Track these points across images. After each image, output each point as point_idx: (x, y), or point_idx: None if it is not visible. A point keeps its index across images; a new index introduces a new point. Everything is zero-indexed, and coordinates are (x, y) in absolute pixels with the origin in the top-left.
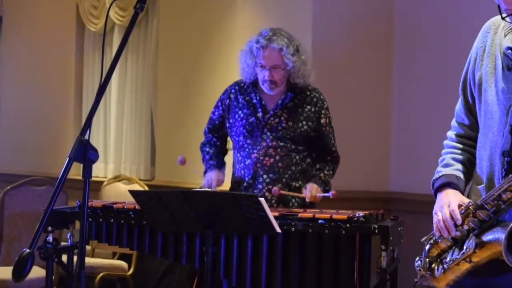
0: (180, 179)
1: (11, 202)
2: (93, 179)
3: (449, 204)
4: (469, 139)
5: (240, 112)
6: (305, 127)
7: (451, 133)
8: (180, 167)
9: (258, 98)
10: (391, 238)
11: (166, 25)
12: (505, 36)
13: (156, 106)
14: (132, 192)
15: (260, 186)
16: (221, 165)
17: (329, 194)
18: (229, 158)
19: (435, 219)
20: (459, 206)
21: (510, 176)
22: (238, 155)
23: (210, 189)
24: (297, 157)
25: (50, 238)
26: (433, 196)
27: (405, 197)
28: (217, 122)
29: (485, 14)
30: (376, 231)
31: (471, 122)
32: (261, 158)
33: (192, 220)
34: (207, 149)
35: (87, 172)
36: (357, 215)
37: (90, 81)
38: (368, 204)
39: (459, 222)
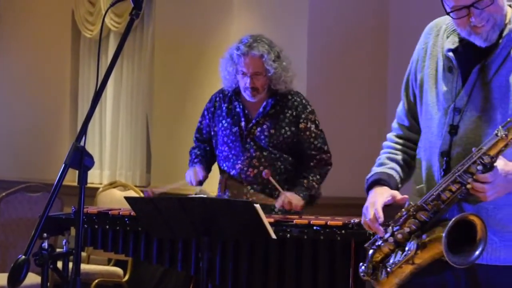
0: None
1: (7, 208)
2: (88, 185)
3: (374, 204)
4: (407, 140)
5: (223, 121)
6: (288, 132)
7: (390, 134)
8: (176, 173)
9: (241, 107)
10: None
11: (161, 32)
12: (447, 38)
13: (151, 113)
14: (127, 199)
15: (245, 198)
16: (205, 165)
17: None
18: (215, 167)
19: (363, 219)
20: (384, 206)
21: (448, 175)
22: (224, 165)
23: (205, 196)
24: (282, 166)
25: (45, 245)
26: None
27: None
28: (204, 131)
29: None
30: (371, 237)
31: (410, 124)
32: (245, 169)
33: (188, 226)
34: (196, 150)
35: (83, 178)
36: (352, 221)
37: (86, 88)
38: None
39: (381, 220)
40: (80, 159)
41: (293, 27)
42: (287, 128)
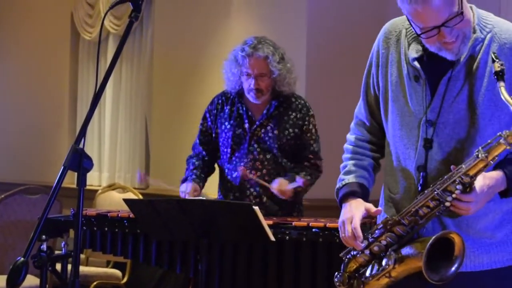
0: (174, 187)
1: (6, 210)
2: (87, 187)
3: (351, 219)
4: (369, 143)
5: (226, 123)
6: (292, 134)
7: (351, 137)
8: (175, 175)
9: (244, 108)
10: None
11: (161, 34)
12: (409, 45)
13: (150, 115)
14: (126, 201)
15: (247, 200)
16: (200, 180)
17: (299, 182)
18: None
19: (340, 234)
20: (364, 220)
21: (426, 191)
22: (226, 167)
23: (204, 198)
24: (283, 170)
25: (44, 247)
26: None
27: None
28: (207, 134)
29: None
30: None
31: (371, 124)
32: (248, 171)
33: (187, 228)
34: (194, 160)
35: (82, 181)
36: None
37: (85, 90)
38: None
39: (360, 239)
40: (79, 161)
41: (292, 28)
42: (290, 130)
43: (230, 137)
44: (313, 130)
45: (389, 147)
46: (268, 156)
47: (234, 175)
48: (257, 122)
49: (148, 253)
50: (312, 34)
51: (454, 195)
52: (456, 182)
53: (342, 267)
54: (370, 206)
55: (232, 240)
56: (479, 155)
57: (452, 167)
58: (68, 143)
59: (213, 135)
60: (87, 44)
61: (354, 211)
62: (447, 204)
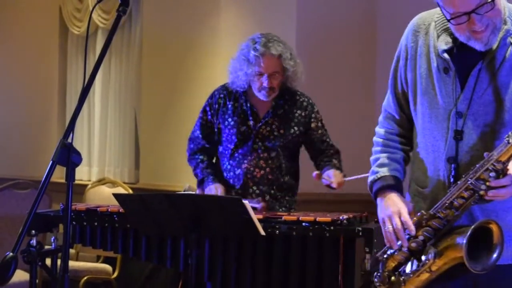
0: (164, 182)
1: None
2: (77, 182)
3: (399, 213)
4: (399, 136)
5: (230, 119)
6: (297, 132)
7: (380, 130)
8: (165, 170)
9: (248, 105)
10: (375, 240)
11: (149, 28)
12: (438, 36)
13: (140, 109)
14: (116, 196)
15: (250, 198)
16: (216, 176)
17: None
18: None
19: (384, 229)
20: (410, 214)
21: (459, 182)
22: (227, 163)
23: (194, 193)
24: (286, 169)
25: (33, 242)
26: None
27: None
28: (207, 127)
29: None
30: (360, 233)
31: (401, 118)
32: (252, 169)
33: (176, 223)
34: (201, 156)
35: (71, 175)
36: (341, 217)
37: (74, 84)
38: (352, 206)
39: (413, 233)
40: (68, 156)
41: (282, 22)
42: (296, 128)
43: (234, 134)
44: (321, 125)
45: (418, 140)
46: (272, 155)
47: (237, 172)
48: (262, 120)
49: (138, 248)
50: (301, 29)
51: (488, 183)
52: (489, 170)
53: (380, 266)
54: (412, 206)
55: (222, 235)
56: (510, 140)
57: (485, 154)
58: (57, 137)
59: (215, 130)
60: (76, 39)
61: (399, 205)
62: (482, 192)
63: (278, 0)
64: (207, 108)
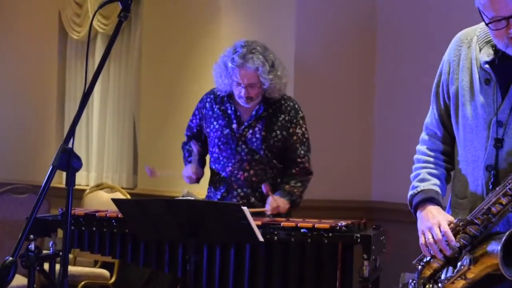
0: (162, 187)
1: None
2: (75, 187)
3: (438, 224)
4: (441, 154)
5: (215, 122)
6: (279, 136)
7: (422, 147)
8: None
9: (233, 109)
10: (373, 247)
11: (149, 34)
12: (480, 49)
13: (138, 115)
14: (114, 201)
15: (235, 200)
16: (200, 161)
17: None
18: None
19: (422, 240)
20: (448, 224)
21: (497, 189)
22: (214, 167)
23: (192, 198)
24: (271, 171)
25: (32, 246)
26: (410, 208)
27: (386, 206)
28: (195, 130)
29: (470, 14)
30: (359, 240)
31: (443, 135)
32: (236, 172)
33: (175, 228)
34: (187, 147)
35: (71, 180)
36: (339, 224)
37: (73, 90)
38: (350, 213)
39: (454, 243)
40: (68, 161)
41: (280, 28)
42: (278, 132)
43: (217, 137)
44: (300, 133)
45: (458, 153)
46: (255, 157)
47: (222, 175)
48: (245, 123)
49: (136, 253)
50: (300, 34)
51: None
52: None
53: (416, 274)
54: (452, 219)
55: (220, 240)
56: None
57: None
58: (56, 142)
59: (203, 132)
60: (75, 44)
61: (439, 217)
62: None
63: (278, 5)
64: (196, 112)
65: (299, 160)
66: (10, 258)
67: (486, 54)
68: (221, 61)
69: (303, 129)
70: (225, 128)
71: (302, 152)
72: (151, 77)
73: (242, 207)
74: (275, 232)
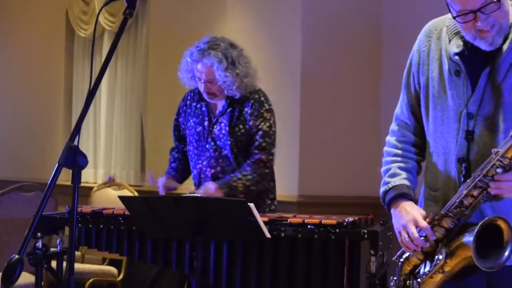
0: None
1: (1, 208)
2: (82, 184)
3: (413, 221)
4: (412, 145)
5: (191, 120)
6: (242, 130)
7: (391, 139)
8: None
9: (205, 106)
10: (380, 243)
11: (156, 31)
12: (449, 40)
13: (146, 112)
14: (122, 198)
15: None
16: (177, 172)
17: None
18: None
19: (400, 238)
20: (424, 218)
21: (468, 181)
22: (191, 164)
23: (199, 195)
24: (237, 168)
25: (39, 244)
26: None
27: None
28: (179, 129)
29: None
30: (366, 236)
31: (414, 125)
32: (204, 169)
33: (182, 226)
34: (174, 153)
35: (76, 178)
36: (346, 220)
37: (80, 87)
38: (357, 209)
39: (434, 237)
40: (74, 159)
41: (287, 26)
42: (241, 126)
43: (192, 135)
44: (263, 125)
45: (430, 145)
46: (223, 153)
47: (194, 172)
48: (213, 119)
49: (143, 251)
50: (307, 31)
51: (495, 178)
52: (496, 166)
53: (397, 270)
54: (424, 213)
55: (227, 237)
56: None
57: (492, 150)
58: (63, 140)
59: (185, 130)
60: (82, 41)
61: (413, 213)
62: (490, 189)
63: (284, 3)
64: (180, 110)
65: (256, 151)
66: (17, 256)
67: (456, 45)
68: (184, 54)
69: (270, 122)
70: (198, 126)
71: (263, 144)
72: (158, 74)
73: (249, 204)
74: (282, 229)
